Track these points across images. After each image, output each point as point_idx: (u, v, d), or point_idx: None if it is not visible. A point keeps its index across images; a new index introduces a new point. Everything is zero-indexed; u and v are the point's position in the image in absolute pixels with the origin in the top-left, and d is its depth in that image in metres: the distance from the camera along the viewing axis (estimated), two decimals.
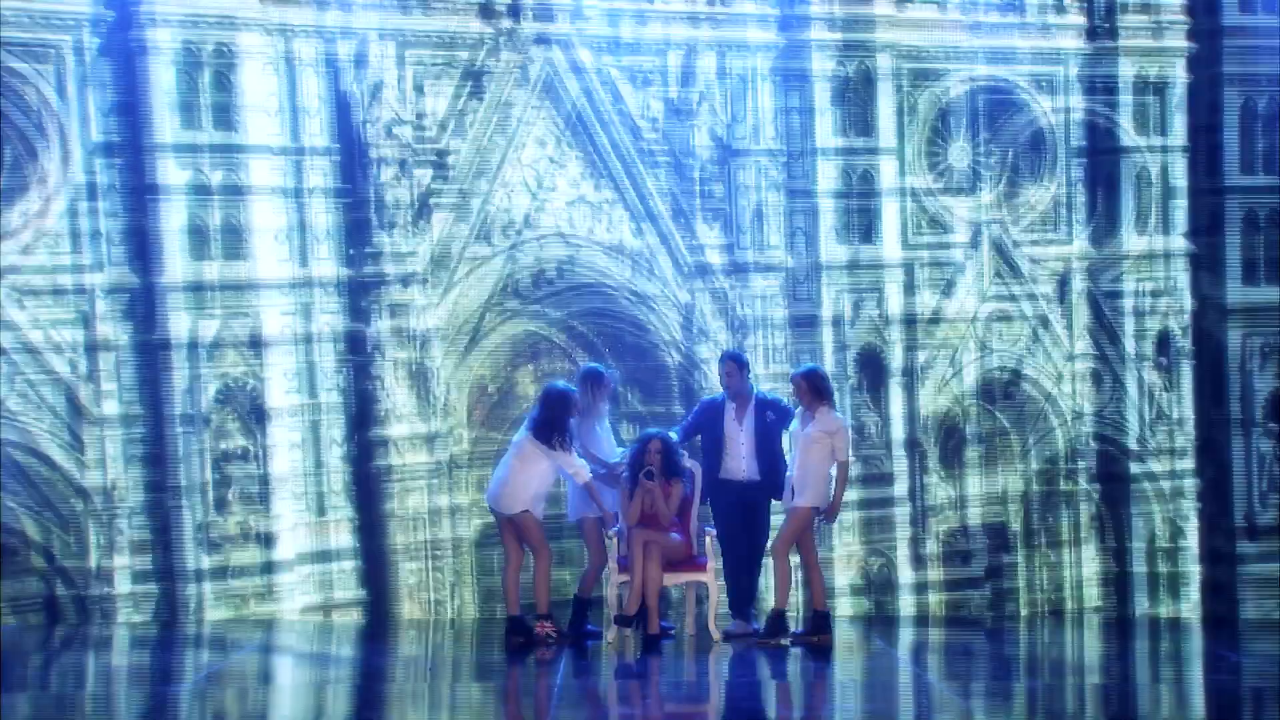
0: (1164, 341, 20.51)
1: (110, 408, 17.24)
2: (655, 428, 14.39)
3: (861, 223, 19.70)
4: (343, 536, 18.12)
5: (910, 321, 19.82)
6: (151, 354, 17.43)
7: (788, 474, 13.73)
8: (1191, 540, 20.31)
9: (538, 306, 19.26)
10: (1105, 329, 20.46)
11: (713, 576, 13.86)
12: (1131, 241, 20.43)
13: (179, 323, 17.48)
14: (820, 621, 13.83)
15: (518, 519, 13.61)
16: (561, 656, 13.37)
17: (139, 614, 17.08)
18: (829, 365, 18.76)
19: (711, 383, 17.32)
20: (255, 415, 17.72)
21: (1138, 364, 20.34)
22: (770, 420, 13.97)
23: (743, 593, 14.29)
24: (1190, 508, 20.40)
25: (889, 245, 19.85)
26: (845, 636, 15.00)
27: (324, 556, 17.93)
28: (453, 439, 18.63)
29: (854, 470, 16.24)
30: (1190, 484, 20.42)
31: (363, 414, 18.31)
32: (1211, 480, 20.37)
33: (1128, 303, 20.44)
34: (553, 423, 13.49)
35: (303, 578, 17.55)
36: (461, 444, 18.73)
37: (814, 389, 13.62)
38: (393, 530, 18.19)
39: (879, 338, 19.69)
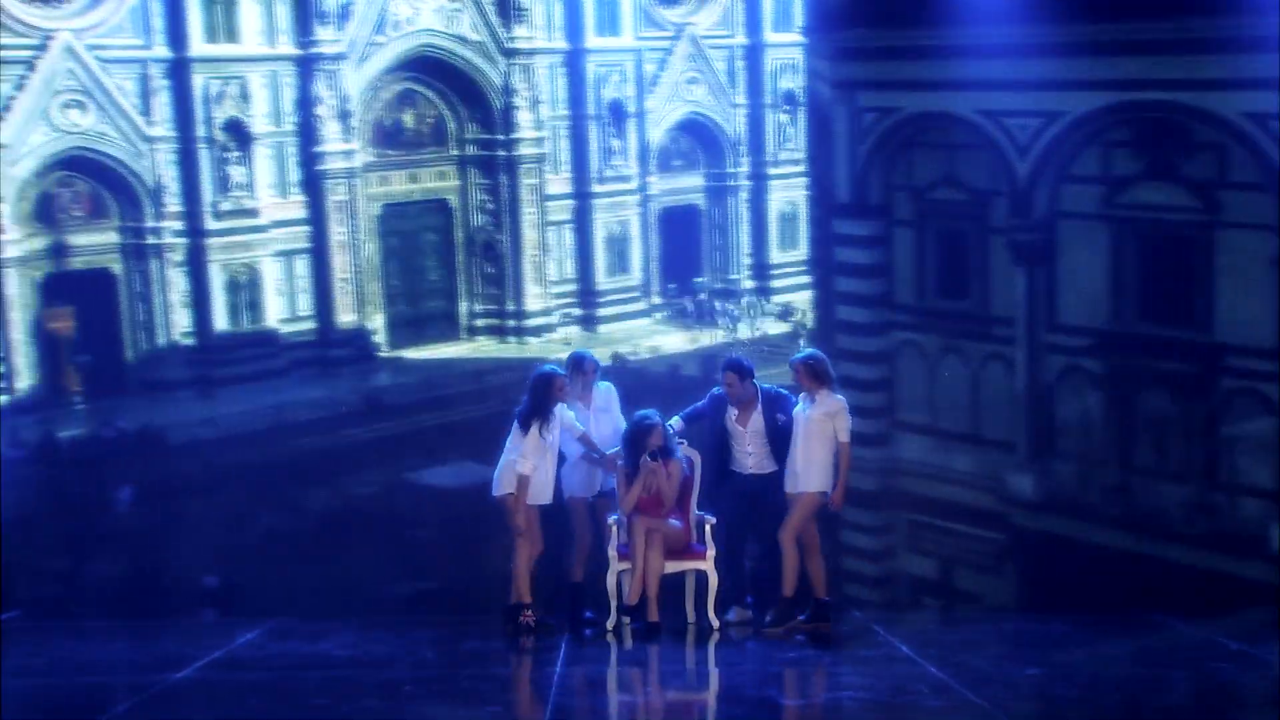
0: None
1: None
2: (648, 409, 14.13)
3: None
4: None
5: None
6: None
7: (790, 459, 13.66)
8: None
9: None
10: None
11: (712, 564, 13.73)
12: None
13: None
14: (821, 610, 13.71)
15: (504, 500, 13.56)
16: (561, 644, 13.26)
17: None
18: None
19: None
20: None
21: None
22: (781, 423, 13.91)
23: (742, 581, 14.23)
24: None
25: None
26: (846, 625, 14.82)
27: None
28: None
29: None
30: None
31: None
32: None
33: None
34: (534, 408, 13.47)
35: None
36: None
37: (812, 373, 13.65)
38: None
39: None
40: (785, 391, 14.09)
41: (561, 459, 13.94)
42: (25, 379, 41.18)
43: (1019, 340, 22.47)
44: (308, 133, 45.33)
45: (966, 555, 23.34)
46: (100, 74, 41.49)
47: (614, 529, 13.69)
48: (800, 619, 13.72)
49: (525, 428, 13.45)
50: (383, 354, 47.77)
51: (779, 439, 13.86)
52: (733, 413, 14.00)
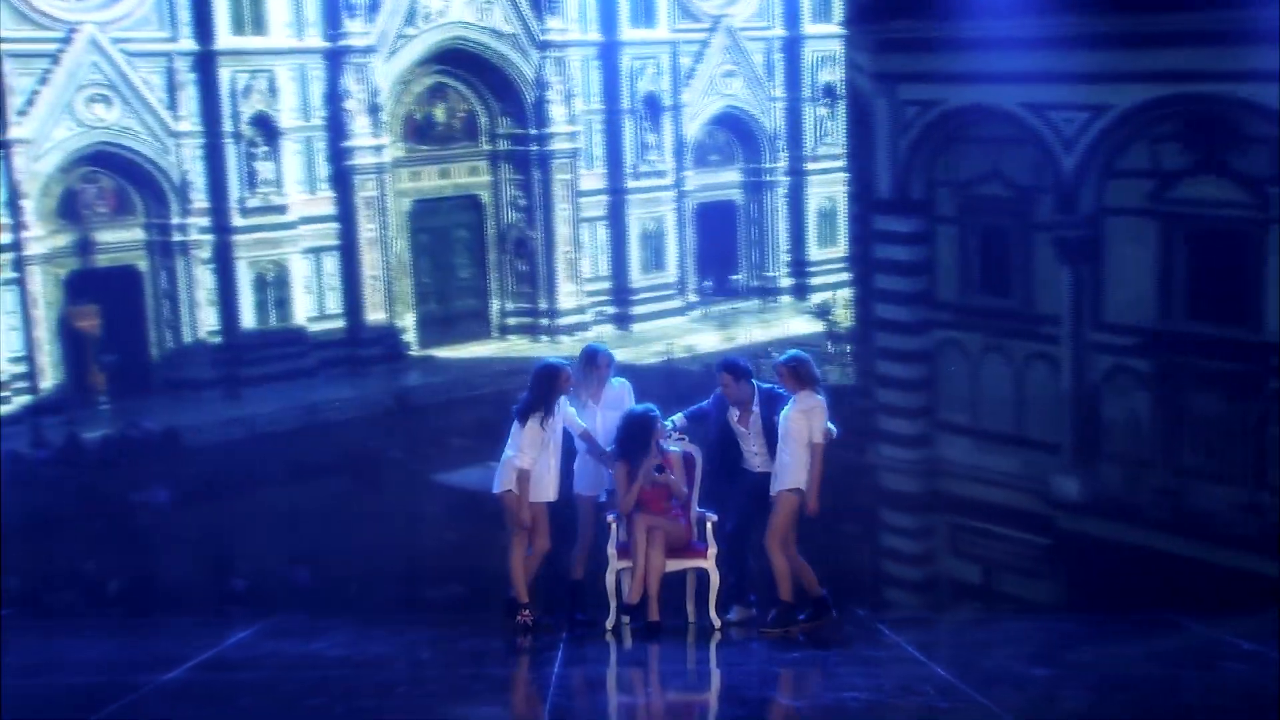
0: None
1: None
2: (642, 405, 13.64)
3: None
4: None
5: None
6: None
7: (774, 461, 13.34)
8: None
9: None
10: None
11: (713, 563, 13.41)
12: None
13: None
14: (821, 606, 13.30)
15: (504, 497, 13.10)
16: (560, 644, 12.99)
17: None
18: None
19: None
20: None
21: None
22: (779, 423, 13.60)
23: (746, 579, 13.95)
24: None
25: None
26: (852, 625, 14.52)
27: None
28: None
29: None
30: None
31: None
32: None
33: None
34: (534, 401, 13.05)
35: None
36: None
37: (795, 374, 13.49)
38: None
39: None
40: (784, 391, 13.71)
41: (573, 454, 13.59)
42: (50, 378, 41.15)
43: (1064, 339, 22.02)
44: (337, 127, 45.23)
45: (1010, 559, 22.90)
46: (125, 68, 41.36)
47: (613, 526, 13.29)
48: (801, 619, 13.35)
49: (524, 422, 13.01)
50: (413, 353, 47.71)
51: (776, 436, 13.56)
52: (734, 413, 13.76)
